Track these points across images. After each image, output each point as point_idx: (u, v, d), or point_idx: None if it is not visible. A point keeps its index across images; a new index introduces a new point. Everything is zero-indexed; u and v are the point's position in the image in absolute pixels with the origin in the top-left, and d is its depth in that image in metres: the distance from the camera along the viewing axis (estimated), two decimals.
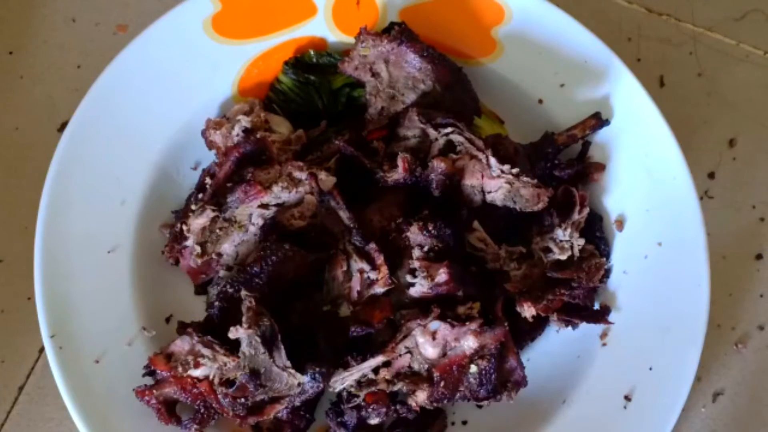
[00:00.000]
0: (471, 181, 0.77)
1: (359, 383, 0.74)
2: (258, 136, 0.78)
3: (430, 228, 0.75)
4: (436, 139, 0.78)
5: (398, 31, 0.81)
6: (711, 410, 0.87)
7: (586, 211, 0.79)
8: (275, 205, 0.77)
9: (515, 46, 0.85)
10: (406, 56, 0.80)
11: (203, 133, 0.81)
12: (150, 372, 0.75)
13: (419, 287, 0.74)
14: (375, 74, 0.81)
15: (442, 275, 0.73)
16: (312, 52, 0.85)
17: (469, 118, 0.82)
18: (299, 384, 0.71)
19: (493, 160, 0.77)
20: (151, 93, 0.83)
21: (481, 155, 0.77)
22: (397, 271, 0.76)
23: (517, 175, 0.76)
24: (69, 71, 0.92)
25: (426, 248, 0.75)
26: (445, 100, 0.81)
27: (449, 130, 0.78)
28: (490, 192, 0.78)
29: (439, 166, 0.76)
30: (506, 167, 0.77)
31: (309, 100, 0.85)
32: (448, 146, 0.78)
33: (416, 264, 0.75)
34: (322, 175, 0.77)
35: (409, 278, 0.75)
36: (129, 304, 0.81)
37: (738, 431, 0.87)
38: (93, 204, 0.81)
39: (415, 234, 0.75)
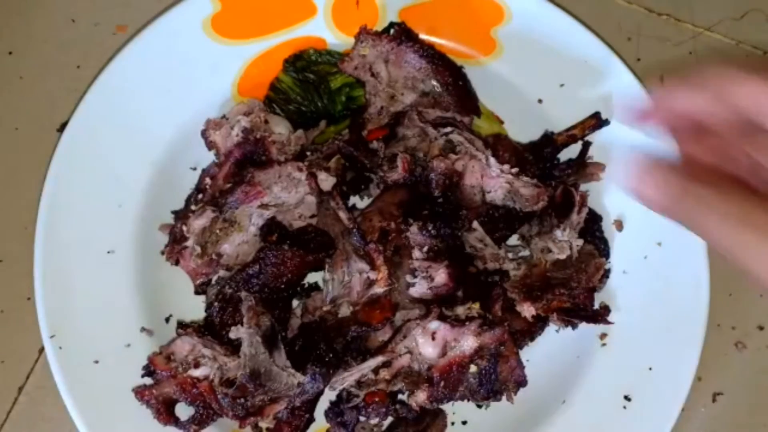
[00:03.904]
0: (471, 181, 0.77)
1: (359, 383, 0.74)
2: (257, 136, 0.78)
3: (430, 228, 0.75)
4: (436, 139, 0.78)
5: (398, 31, 0.81)
6: (711, 410, 0.87)
7: (586, 211, 0.79)
8: (275, 206, 0.77)
9: (515, 46, 0.85)
10: (405, 56, 0.80)
11: (203, 133, 0.81)
12: (149, 372, 0.75)
13: (419, 287, 0.74)
14: (375, 74, 0.81)
15: (441, 275, 0.73)
16: (312, 51, 0.85)
17: (469, 117, 0.82)
18: (299, 384, 0.71)
19: (492, 160, 0.77)
20: (150, 93, 0.83)
21: (480, 155, 0.77)
22: (397, 271, 0.76)
23: (516, 175, 0.76)
24: (69, 71, 0.91)
25: (426, 248, 0.75)
26: (444, 99, 0.81)
27: (449, 129, 0.78)
28: (489, 192, 0.78)
29: (438, 166, 0.76)
30: (506, 167, 0.77)
31: (309, 99, 0.85)
32: (447, 146, 0.78)
33: (416, 264, 0.75)
34: (322, 176, 0.77)
35: (408, 278, 0.75)
36: (129, 304, 0.81)
37: (738, 431, 0.87)
38: (93, 204, 0.81)
39: (414, 234, 0.75)
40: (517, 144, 0.82)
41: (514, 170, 0.76)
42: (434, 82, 0.81)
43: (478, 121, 0.85)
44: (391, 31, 0.82)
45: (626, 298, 0.81)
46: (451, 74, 0.81)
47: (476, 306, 0.75)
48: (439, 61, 0.81)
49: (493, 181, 0.77)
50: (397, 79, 0.81)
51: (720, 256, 0.85)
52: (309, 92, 0.85)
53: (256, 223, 0.77)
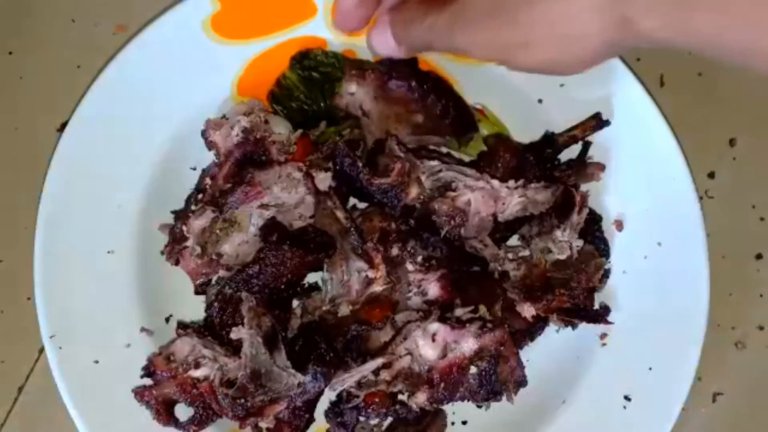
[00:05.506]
0: (483, 212, 0.76)
1: (359, 384, 0.74)
2: (257, 136, 0.78)
3: (416, 243, 0.74)
4: (421, 176, 0.76)
5: (381, 72, 0.79)
6: (711, 410, 0.87)
7: (586, 211, 0.79)
8: (275, 206, 0.77)
9: None
10: (393, 93, 0.79)
11: (203, 133, 0.80)
12: (149, 372, 0.75)
13: (415, 300, 0.75)
14: (365, 112, 0.80)
15: (434, 289, 0.74)
16: (319, 51, 0.84)
17: (466, 138, 0.81)
18: (299, 384, 0.71)
19: (496, 182, 0.76)
20: (150, 93, 0.83)
21: (482, 183, 0.76)
22: (398, 269, 0.76)
23: (525, 185, 0.76)
24: (69, 71, 0.91)
25: (420, 258, 0.75)
26: (439, 128, 0.80)
27: (435, 164, 0.76)
28: (502, 213, 0.76)
29: (440, 208, 0.75)
30: (511, 183, 0.76)
31: (312, 99, 0.85)
32: (437, 185, 0.76)
33: (410, 278, 0.75)
34: (321, 176, 0.77)
35: (405, 289, 0.75)
36: (129, 304, 0.81)
37: (738, 431, 0.87)
38: (92, 204, 0.81)
39: (404, 249, 0.75)
40: (517, 144, 0.82)
41: (520, 182, 0.76)
42: (425, 115, 0.79)
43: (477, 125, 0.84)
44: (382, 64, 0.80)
45: (626, 298, 0.81)
46: (443, 105, 0.79)
47: (483, 309, 0.75)
48: (429, 94, 0.79)
49: (506, 200, 0.76)
50: (389, 114, 0.80)
51: (720, 256, 0.87)
52: (313, 92, 0.84)
53: (256, 224, 0.77)
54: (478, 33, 0.60)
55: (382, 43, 0.70)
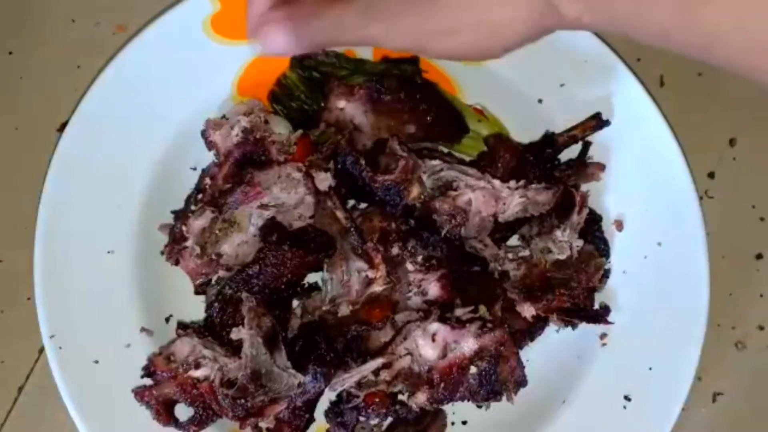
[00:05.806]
0: (484, 212, 0.76)
1: (359, 384, 0.74)
2: (257, 136, 0.78)
3: (416, 242, 0.74)
4: (423, 176, 0.76)
5: (369, 86, 0.79)
6: (711, 410, 0.87)
7: (586, 211, 0.79)
8: (275, 206, 0.77)
9: None
10: (383, 106, 0.79)
11: (203, 133, 0.80)
12: (149, 373, 0.75)
13: (415, 299, 0.75)
14: (356, 126, 0.79)
15: (434, 288, 0.74)
16: (319, 51, 0.84)
17: (458, 141, 0.82)
18: (300, 384, 0.71)
19: (497, 182, 0.76)
20: (150, 93, 0.83)
21: (483, 183, 0.76)
22: (398, 269, 0.76)
23: (525, 186, 0.76)
24: (69, 71, 0.91)
25: (420, 258, 0.75)
26: (432, 135, 0.80)
27: (437, 164, 0.77)
28: (503, 213, 0.76)
29: (442, 207, 0.75)
30: (512, 183, 0.76)
31: (312, 99, 0.85)
32: (438, 184, 0.77)
33: (410, 277, 0.75)
34: (321, 176, 0.77)
35: (405, 289, 0.75)
36: (129, 304, 0.81)
37: (738, 431, 0.87)
38: (92, 204, 0.81)
39: (404, 249, 0.75)
40: (517, 144, 0.82)
41: (521, 183, 0.76)
42: (417, 124, 0.79)
43: (477, 126, 0.84)
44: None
45: (626, 298, 0.81)
46: (431, 112, 0.80)
47: (483, 309, 0.75)
48: (419, 104, 0.79)
49: (507, 201, 0.76)
50: (381, 127, 0.79)
51: (720, 256, 0.87)
52: (313, 92, 0.84)
53: (256, 224, 0.77)
54: (397, 21, 0.58)
55: (277, 41, 0.64)
